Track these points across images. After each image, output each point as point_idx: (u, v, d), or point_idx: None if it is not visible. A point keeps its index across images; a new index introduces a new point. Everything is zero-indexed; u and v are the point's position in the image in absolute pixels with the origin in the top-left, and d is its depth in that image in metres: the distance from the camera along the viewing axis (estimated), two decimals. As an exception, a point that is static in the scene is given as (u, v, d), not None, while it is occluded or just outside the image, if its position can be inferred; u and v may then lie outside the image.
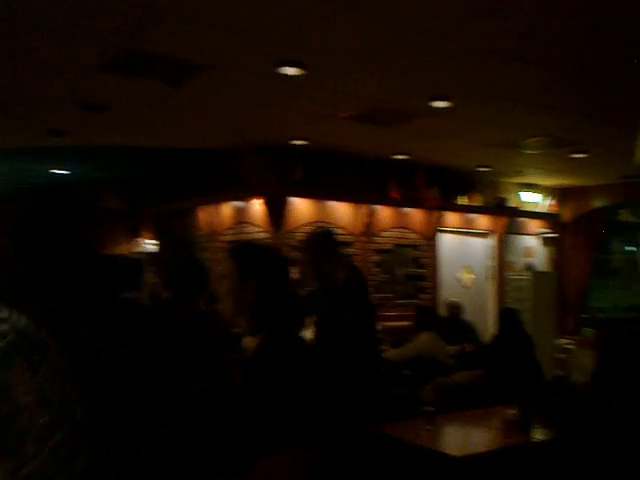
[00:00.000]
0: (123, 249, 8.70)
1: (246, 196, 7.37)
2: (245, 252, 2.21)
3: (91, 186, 9.54)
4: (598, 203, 9.62)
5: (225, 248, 7.51)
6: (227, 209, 7.73)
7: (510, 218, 9.13)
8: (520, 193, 9.49)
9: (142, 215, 9.12)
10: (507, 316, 5.89)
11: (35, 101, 5.49)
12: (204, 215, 7.94)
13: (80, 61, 4.43)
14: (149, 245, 8.94)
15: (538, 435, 3.83)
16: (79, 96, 5.29)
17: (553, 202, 9.80)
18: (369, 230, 7.71)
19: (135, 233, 9.18)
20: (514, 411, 3.95)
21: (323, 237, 4.39)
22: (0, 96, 5.36)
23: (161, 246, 8.74)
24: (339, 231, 7.49)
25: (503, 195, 9.14)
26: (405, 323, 6.80)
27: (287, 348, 2.01)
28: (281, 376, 1.94)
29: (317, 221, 7.26)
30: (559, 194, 9.85)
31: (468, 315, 7.45)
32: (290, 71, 4.52)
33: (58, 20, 3.73)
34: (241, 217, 7.49)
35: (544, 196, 9.76)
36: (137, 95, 5.26)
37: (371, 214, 7.69)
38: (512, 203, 9.26)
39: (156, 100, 5.41)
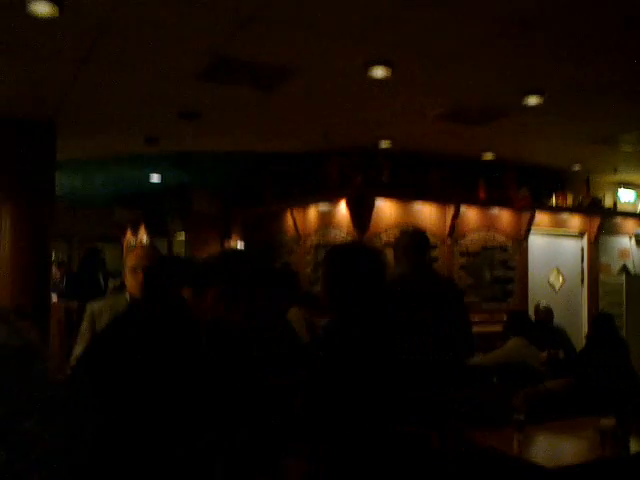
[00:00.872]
0: (213, 251, 9.00)
1: (332, 198, 7.44)
2: (328, 255, 2.29)
3: (184, 191, 9.90)
4: (701, 201, 9.10)
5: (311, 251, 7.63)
6: (313, 212, 7.83)
7: (604, 218, 8.75)
8: (616, 192, 9.09)
9: (232, 218, 9.39)
10: (601, 321, 5.66)
11: (132, 110, 5.77)
12: (291, 218, 8.08)
13: (175, 70, 4.62)
14: (238, 247, 9.20)
15: (636, 447, 3.68)
16: (174, 104, 5.52)
17: (652, 201, 9.33)
18: (455, 232, 7.62)
19: (225, 236, 9.46)
20: (610, 421, 3.80)
21: (408, 238, 4.41)
22: (99, 106, 5.67)
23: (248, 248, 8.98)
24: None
25: (597, 194, 8.78)
26: (492, 328, 6.66)
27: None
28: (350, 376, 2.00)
29: (402, 223, 7.24)
30: (658, 192, 9.37)
31: (559, 319, 7.22)
32: (379, 72, 4.53)
33: (154, 30, 3.90)
34: (327, 220, 7.58)
35: (641, 194, 9.32)
36: (228, 101, 5.43)
37: (457, 215, 7.59)
38: (607, 202, 8.88)
39: (247, 105, 5.56)
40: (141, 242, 10.36)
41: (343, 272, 2.18)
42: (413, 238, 4.38)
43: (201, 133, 6.65)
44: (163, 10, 3.61)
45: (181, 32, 3.93)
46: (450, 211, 7.57)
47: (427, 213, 7.53)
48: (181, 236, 10.36)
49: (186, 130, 6.44)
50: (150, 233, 10.58)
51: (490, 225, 7.93)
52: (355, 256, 2.23)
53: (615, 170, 8.26)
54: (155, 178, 9.42)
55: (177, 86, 5.00)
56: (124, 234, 11.39)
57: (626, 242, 9.22)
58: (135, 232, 11.03)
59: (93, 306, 3.54)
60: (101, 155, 7.92)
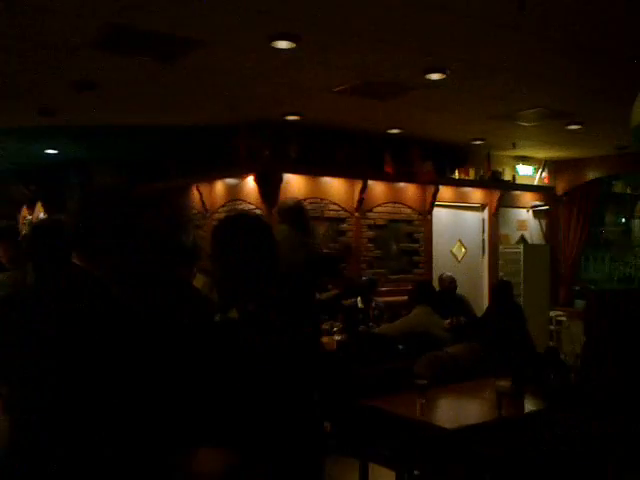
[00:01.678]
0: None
1: (240, 173, 7.35)
2: (217, 229, 2.19)
3: (84, 166, 9.50)
4: (592, 175, 9.63)
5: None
6: (220, 186, 7.72)
7: (504, 191, 9.13)
8: (514, 166, 9.49)
9: (136, 194, 9.09)
10: (500, 289, 5.93)
11: (25, 80, 5.46)
12: (198, 193, 7.93)
13: (70, 39, 4.39)
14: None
15: (530, 406, 3.88)
16: (69, 74, 5.26)
17: (547, 175, 9.80)
18: (363, 206, 7.72)
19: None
20: (507, 383, 3.99)
21: (290, 210, 4.49)
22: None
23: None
24: (332, 207, 7.50)
25: (497, 168, 9.13)
26: (399, 298, 6.83)
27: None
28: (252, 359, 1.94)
29: (310, 197, 7.26)
30: (553, 166, 9.85)
31: (462, 289, 7.49)
32: (283, 45, 4.48)
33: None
34: (234, 194, 7.49)
35: (538, 169, 9.76)
36: (127, 72, 5.22)
37: (364, 190, 7.68)
38: (506, 176, 9.26)
39: (148, 77, 5.37)
40: (38, 219, 9.90)
41: (228, 243, 2.09)
42: (287, 211, 4.48)
43: (100, 105, 6.36)
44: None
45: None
46: (358, 185, 7.66)
47: (335, 187, 7.58)
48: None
49: (84, 102, 6.14)
50: (47, 210, 10.12)
51: (396, 199, 8.09)
52: (241, 226, 2.15)
53: (514, 145, 8.59)
54: (53, 152, 8.98)
55: (70, 56, 4.74)
56: (20, 211, 10.86)
57: (524, 214, 9.68)
58: (32, 208, 10.54)
59: None
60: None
